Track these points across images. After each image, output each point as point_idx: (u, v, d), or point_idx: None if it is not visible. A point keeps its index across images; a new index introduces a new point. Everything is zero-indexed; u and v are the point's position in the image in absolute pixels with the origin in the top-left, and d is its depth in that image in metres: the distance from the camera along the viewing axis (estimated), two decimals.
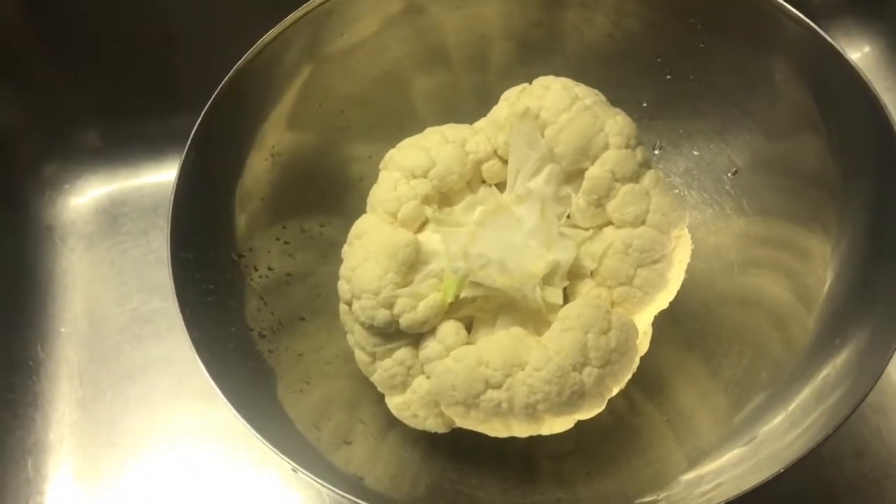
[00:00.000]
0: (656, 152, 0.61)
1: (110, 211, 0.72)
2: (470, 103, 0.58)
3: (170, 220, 0.48)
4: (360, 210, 0.54)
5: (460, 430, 0.50)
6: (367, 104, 0.60)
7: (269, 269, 0.55)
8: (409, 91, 0.61)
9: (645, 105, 0.60)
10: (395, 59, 0.59)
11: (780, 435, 0.47)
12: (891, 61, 0.71)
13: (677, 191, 0.60)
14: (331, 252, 0.55)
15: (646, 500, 0.49)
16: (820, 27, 0.51)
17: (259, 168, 0.55)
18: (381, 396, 0.52)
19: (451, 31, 0.59)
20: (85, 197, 0.73)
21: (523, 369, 0.46)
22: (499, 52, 0.61)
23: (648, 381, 0.55)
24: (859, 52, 0.72)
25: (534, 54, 0.60)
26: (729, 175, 0.59)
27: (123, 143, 0.73)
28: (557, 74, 0.53)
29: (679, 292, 0.52)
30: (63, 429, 0.63)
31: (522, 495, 0.51)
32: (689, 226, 0.59)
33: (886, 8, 0.70)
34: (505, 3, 0.58)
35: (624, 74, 0.59)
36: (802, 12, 0.51)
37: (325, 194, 0.59)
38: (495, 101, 0.54)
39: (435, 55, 0.60)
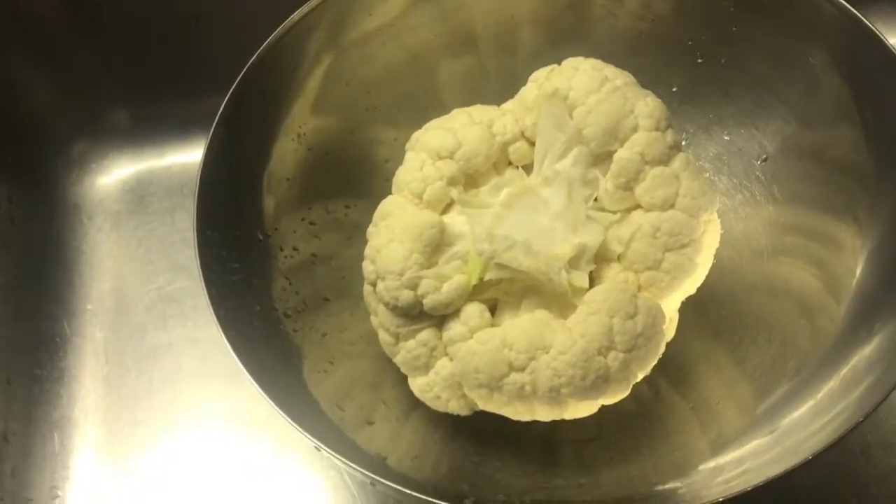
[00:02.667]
0: (686, 137, 0.61)
1: (137, 190, 0.72)
2: (496, 87, 0.57)
3: (196, 197, 0.48)
4: (384, 193, 0.54)
5: (483, 412, 0.50)
6: (393, 86, 0.59)
7: (295, 249, 0.55)
8: (436, 74, 0.60)
9: (675, 90, 0.59)
10: (422, 42, 0.59)
11: (804, 424, 0.46)
12: None
13: (707, 174, 0.59)
14: (355, 235, 0.55)
15: (668, 486, 0.48)
16: (859, 10, 0.50)
17: (285, 149, 0.55)
18: (404, 378, 0.52)
19: (479, 14, 0.59)
20: (112, 176, 0.73)
21: (548, 352, 0.46)
22: (527, 35, 0.60)
23: (674, 368, 0.54)
24: None
25: (562, 38, 0.59)
26: (760, 162, 0.58)
27: (151, 123, 0.73)
28: (591, 56, 0.52)
29: (706, 279, 0.52)
30: (88, 405, 0.64)
31: (544, 479, 0.51)
32: (718, 212, 0.58)
33: None
34: None
35: (654, 58, 0.58)
36: None
37: (350, 176, 0.59)
38: (522, 84, 0.54)
39: (462, 38, 0.59)
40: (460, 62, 0.61)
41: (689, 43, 0.57)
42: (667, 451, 0.52)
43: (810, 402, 0.47)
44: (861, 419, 0.42)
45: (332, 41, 0.56)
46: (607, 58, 0.53)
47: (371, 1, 0.55)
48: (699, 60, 0.58)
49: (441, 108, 0.55)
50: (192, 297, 0.67)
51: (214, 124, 0.50)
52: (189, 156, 0.73)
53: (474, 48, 0.60)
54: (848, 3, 0.50)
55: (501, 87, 0.56)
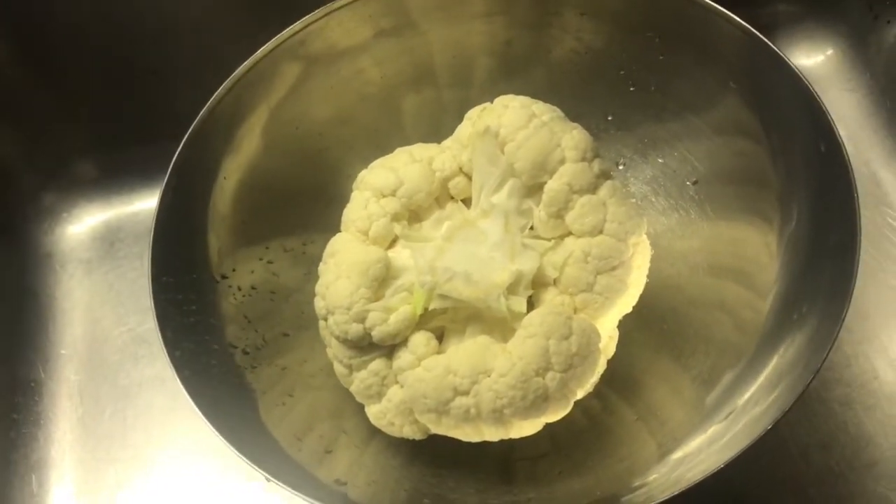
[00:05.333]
0: (623, 163, 0.63)
1: (107, 237, 0.75)
2: (453, 120, 0.60)
3: (150, 245, 0.51)
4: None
5: (439, 436, 0.52)
6: (344, 127, 0.62)
7: (253, 288, 0.57)
8: (391, 109, 0.63)
9: (610, 118, 0.63)
10: (372, 80, 0.61)
11: (747, 412, 0.48)
12: (854, 63, 0.72)
13: (634, 200, 0.62)
14: (314, 269, 0.57)
15: (629, 487, 0.50)
16: (782, 32, 0.53)
17: (239, 192, 0.57)
18: (363, 407, 0.54)
19: (435, 51, 0.61)
20: (82, 225, 0.76)
21: (489, 376, 0.48)
22: (481, 69, 0.63)
23: (620, 381, 0.57)
24: (822, 56, 0.73)
25: (513, 71, 0.62)
26: (692, 182, 0.61)
27: (117, 172, 0.76)
28: (534, 90, 0.55)
29: (648, 296, 0.54)
30: (65, 446, 0.66)
31: (496, 496, 0.53)
32: (657, 232, 0.61)
33: (847, 12, 0.72)
34: (485, 24, 0.60)
35: (591, 89, 0.61)
36: (766, 17, 0.53)
37: (306, 214, 0.61)
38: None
39: (419, 73, 0.62)
40: (417, 97, 0.63)
41: (622, 72, 0.60)
42: (616, 460, 0.54)
43: (749, 392, 0.50)
44: (793, 401, 0.44)
45: (281, 88, 0.58)
46: (550, 90, 0.56)
47: (317, 47, 0.58)
48: (631, 88, 0.61)
49: (397, 142, 0.58)
50: None
51: (168, 174, 0.53)
52: (155, 202, 0.75)
53: (431, 82, 0.63)
54: (772, 24, 0.53)
55: (459, 120, 0.58)
